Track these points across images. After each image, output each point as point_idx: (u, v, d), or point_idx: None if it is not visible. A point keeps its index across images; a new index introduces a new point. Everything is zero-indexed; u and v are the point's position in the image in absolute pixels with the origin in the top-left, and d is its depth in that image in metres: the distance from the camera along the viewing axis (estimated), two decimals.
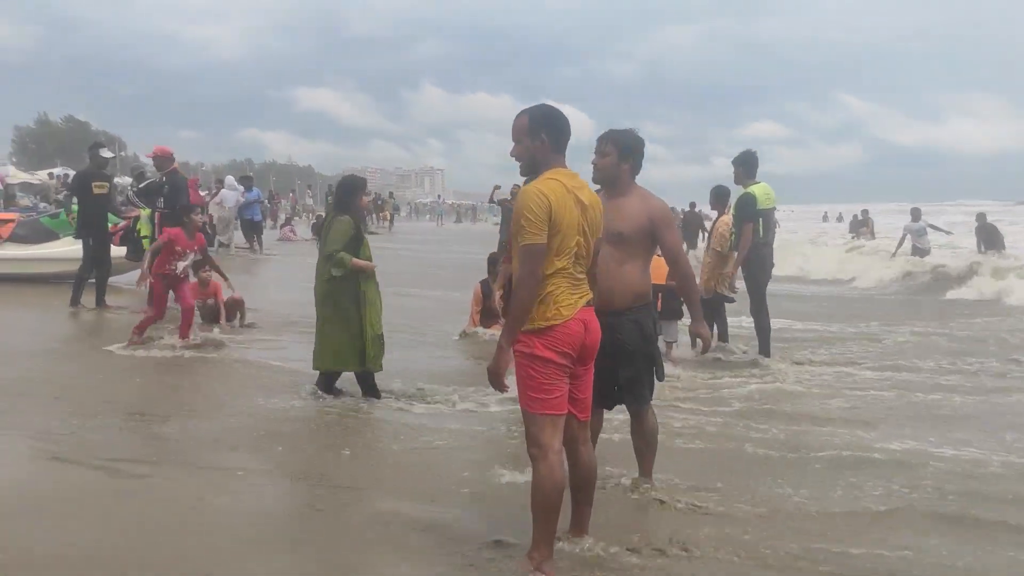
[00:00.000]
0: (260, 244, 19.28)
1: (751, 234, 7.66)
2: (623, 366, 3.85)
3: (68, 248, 11.13)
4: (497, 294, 8.37)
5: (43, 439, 4.81)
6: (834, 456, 4.94)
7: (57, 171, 32.65)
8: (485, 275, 9.08)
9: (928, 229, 19.98)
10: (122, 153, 55.58)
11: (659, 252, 4.14)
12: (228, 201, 18.84)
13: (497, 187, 19.02)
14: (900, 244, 19.27)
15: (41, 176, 31.61)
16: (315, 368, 6.00)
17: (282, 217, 30.12)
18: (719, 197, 8.58)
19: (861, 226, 27.46)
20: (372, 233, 28.31)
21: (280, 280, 14.24)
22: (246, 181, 20.31)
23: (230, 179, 20.19)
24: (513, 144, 3.23)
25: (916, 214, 19.74)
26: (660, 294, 5.85)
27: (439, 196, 73.71)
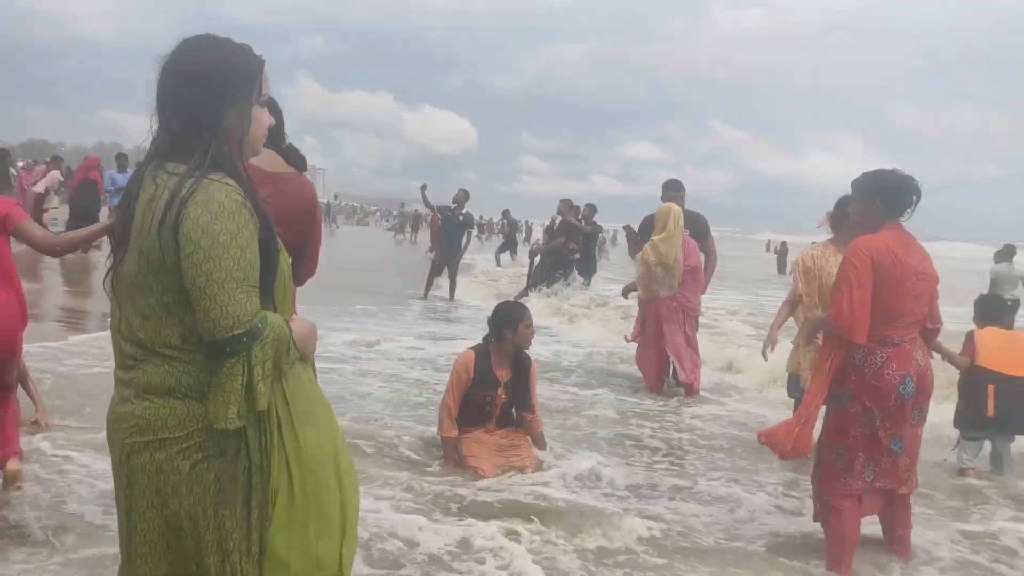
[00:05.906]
0: None
1: None
2: None
3: None
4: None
5: None
6: None
7: None
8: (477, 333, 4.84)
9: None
10: None
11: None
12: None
13: (424, 186, 13.46)
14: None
15: None
16: None
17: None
18: None
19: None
20: None
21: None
22: (120, 159, 15.27)
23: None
24: None
25: (1008, 253, 11.71)
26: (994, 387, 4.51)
27: (335, 196, 67.22)
